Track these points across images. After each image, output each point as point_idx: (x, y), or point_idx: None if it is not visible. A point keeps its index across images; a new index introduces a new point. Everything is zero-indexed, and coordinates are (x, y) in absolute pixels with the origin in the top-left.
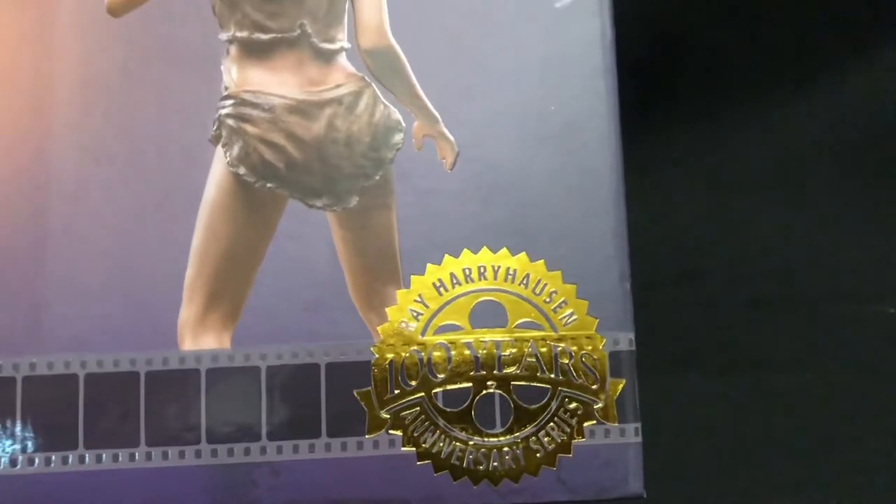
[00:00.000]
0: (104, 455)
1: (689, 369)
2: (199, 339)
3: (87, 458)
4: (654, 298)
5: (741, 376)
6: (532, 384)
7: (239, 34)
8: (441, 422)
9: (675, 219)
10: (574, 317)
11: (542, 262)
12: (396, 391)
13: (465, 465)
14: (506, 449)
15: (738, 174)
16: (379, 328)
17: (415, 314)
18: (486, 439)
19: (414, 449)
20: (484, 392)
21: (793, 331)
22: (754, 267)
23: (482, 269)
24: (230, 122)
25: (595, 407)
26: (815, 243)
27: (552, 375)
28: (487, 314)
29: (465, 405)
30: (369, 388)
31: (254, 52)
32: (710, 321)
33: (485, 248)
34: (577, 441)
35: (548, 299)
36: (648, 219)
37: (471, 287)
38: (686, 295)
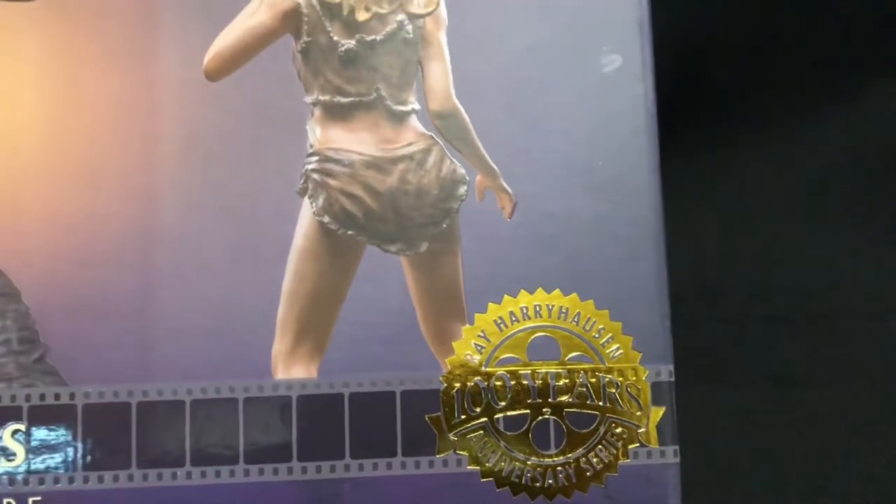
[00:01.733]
0: (208, 471)
1: (710, 383)
2: (290, 369)
3: (193, 475)
4: (676, 314)
5: (761, 390)
6: (582, 411)
7: (322, 97)
8: (502, 444)
9: (696, 237)
10: (620, 351)
11: (591, 301)
12: (462, 416)
13: (523, 482)
14: (559, 468)
15: (757, 196)
16: (447, 360)
17: (478, 348)
18: (542, 459)
19: (478, 468)
20: (540, 417)
21: (811, 346)
22: (773, 284)
23: (538, 308)
24: (315, 176)
25: (638, 431)
26: (834, 262)
27: (600, 403)
28: (543, 348)
29: (523, 429)
30: (439, 413)
31: (335, 113)
32: (730, 337)
33: (540, 289)
34: (623, 461)
35: (597, 335)
36: (670, 238)
37: (528, 324)
38: (707, 310)
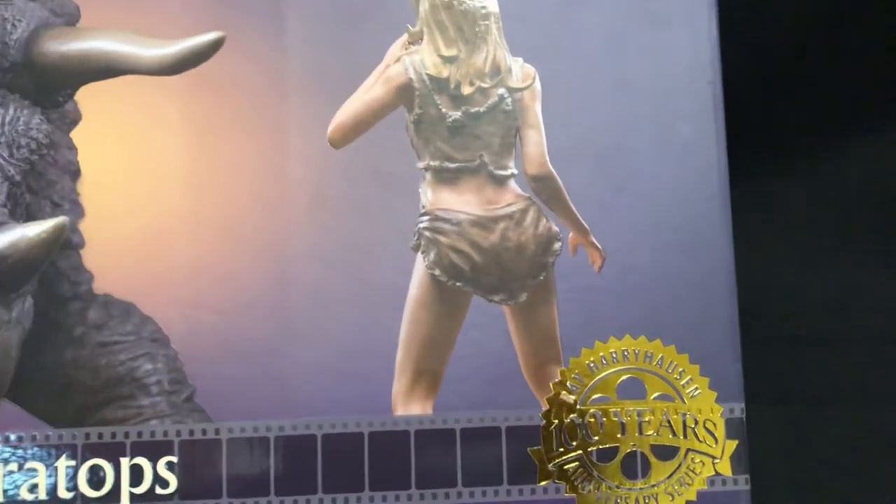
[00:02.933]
0: (338, 498)
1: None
2: (408, 406)
3: (324, 501)
4: None
5: (795, 410)
6: (666, 444)
7: (432, 163)
8: (596, 473)
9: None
10: (698, 391)
11: (672, 346)
12: (560, 449)
13: None
14: (646, 495)
15: (792, 221)
16: (546, 399)
17: (573, 388)
18: (630, 487)
19: (575, 495)
20: (629, 450)
21: (845, 368)
22: (806, 306)
23: (625, 353)
24: (427, 233)
25: (714, 462)
26: (865, 285)
27: (681, 437)
28: (630, 388)
29: (614, 460)
30: (540, 446)
31: (444, 177)
32: (764, 358)
33: (627, 336)
34: (701, 489)
35: (677, 376)
36: None
37: (617, 366)
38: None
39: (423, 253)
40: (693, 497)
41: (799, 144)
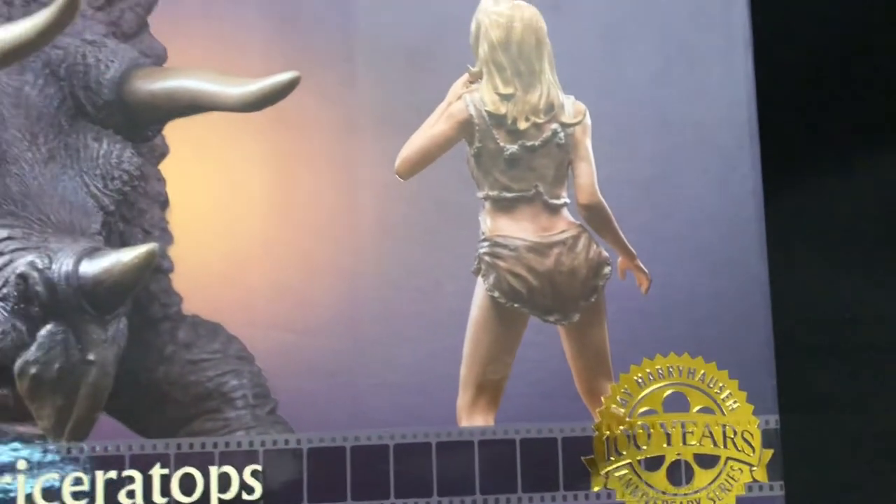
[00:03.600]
0: (408, 502)
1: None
2: (472, 418)
3: None
4: None
5: (828, 418)
6: (707, 454)
7: (491, 193)
8: (643, 480)
9: None
10: (737, 404)
11: (713, 363)
12: (611, 458)
13: None
14: (689, 500)
15: (826, 233)
16: (598, 411)
17: (623, 402)
18: (676, 493)
19: (625, 500)
20: (673, 459)
21: (878, 376)
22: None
23: (670, 369)
24: (487, 258)
25: (752, 470)
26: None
27: (722, 447)
28: (675, 402)
29: (660, 468)
30: (592, 455)
31: (502, 206)
32: (799, 367)
33: (672, 353)
34: (739, 494)
35: (718, 391)
36: None
37: (662, 382)
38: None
39: (483, 277)
40: (733, 502)
41: (831, 158)
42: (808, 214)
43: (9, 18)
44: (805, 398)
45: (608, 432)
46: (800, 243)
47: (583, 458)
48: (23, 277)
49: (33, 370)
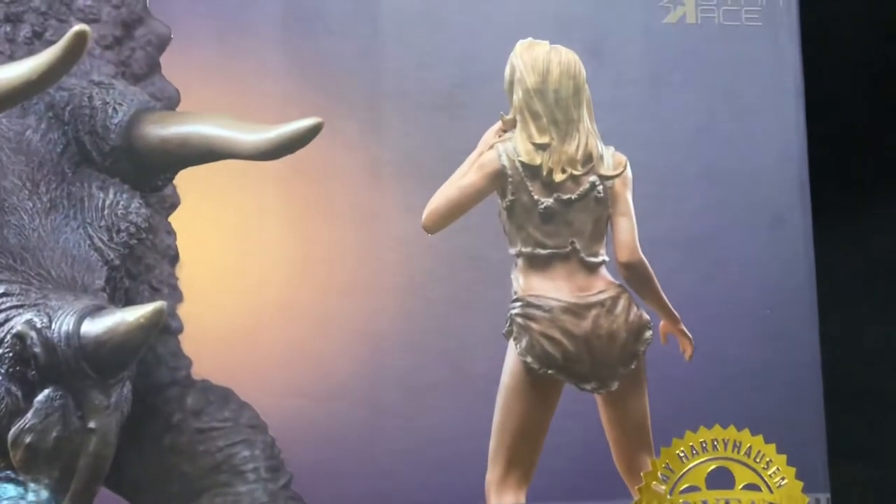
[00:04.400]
0: None
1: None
2: (501, 495)
3: None
4: None
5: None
6: None
7: (524, 249)
8: None
9: None
10: (785, 481)
11: (760, 436)
12: None
13: None
14: None
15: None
16: (637, 488)
17: (664, 477)
18: None
19: None
20: None
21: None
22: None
23: (714, 442)
24: (519, 320)
25: None
26: None
27: None
28: (719, 478)
29: None
30: None
31: (536, 263)
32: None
33: (716, 426)
34: None
35: (765, 466)
36: None
37: (706, 456)
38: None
39: (515, 340)
40: None
41: (888, 215)
42: (865, 275)
43: (11, 57)
44: (859, 475)
45: None
46: (854, 307)
47: None
48: (19, 337)
49: (28, 439)
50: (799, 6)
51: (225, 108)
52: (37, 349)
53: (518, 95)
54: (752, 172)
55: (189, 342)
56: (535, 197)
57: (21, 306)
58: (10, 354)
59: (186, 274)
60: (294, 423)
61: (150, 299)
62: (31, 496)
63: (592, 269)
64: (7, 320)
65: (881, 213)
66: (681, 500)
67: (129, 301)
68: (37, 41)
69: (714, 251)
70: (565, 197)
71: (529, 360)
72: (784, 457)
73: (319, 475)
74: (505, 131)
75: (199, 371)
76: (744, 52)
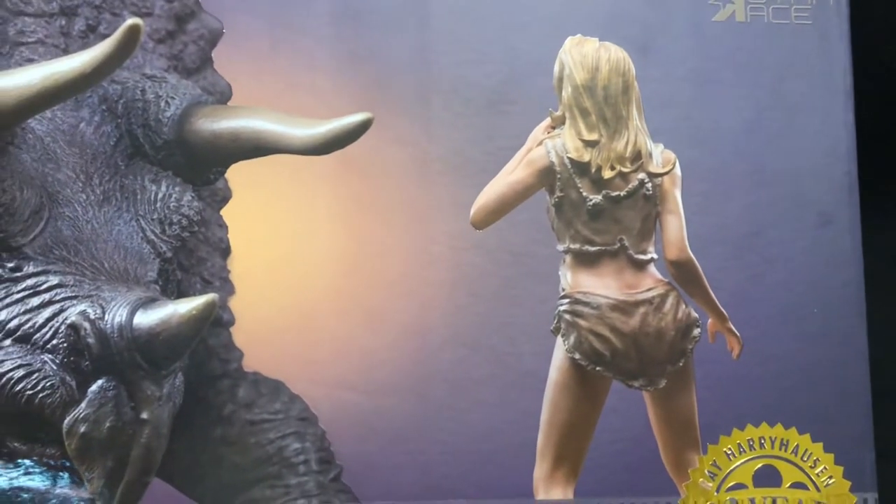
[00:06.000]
0: None
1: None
2: (550, 491)
3: None
4: None
5: None
6: None
7: (572, 246)
8: None
9: None
10: (832, 479)
11: (807, 435)
12: None
13: None
14: None
15: None
16: (684, 485)
17: (711, 475)
18: None
19: None
20: None
21: None
22: None
23: (762, 440)
24: (567, 316)
25: None
26: None
27: None
28: (766, 476)
29: None
30: None
31: (584, 260)
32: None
33: (764, 424)
34: None
35: (812, 465)
36: None
37: (753, 454)
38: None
39: (562, 336)
40: None
41: None
42: None
43: (65, 50)
44: None
45: None
46: None
47: None
48: (73, 328)
49: (83, 428)
50: (849, 4)
51: (276, 102)
52: (90, 340)
53: (567, 92)
54: (800, 170)
55: (240, 334)
56: (584, 194)
57: (75, 297)
58: (65, 345)
59: (238, 267)
60: (344, 417)
61: (203, 292)
62: (57, 489)
63: (641, 266)
64: (61, 311)
65: None
66: (727, 498)
67: (181, 293)
68: (91, 35)
69: (762, 249)
70: (614, 194)
71: (577, 356)
72: (832, 455)
73: (368, 468)
74: (553, 128)
75: (250, 363)
76: (793, 50)
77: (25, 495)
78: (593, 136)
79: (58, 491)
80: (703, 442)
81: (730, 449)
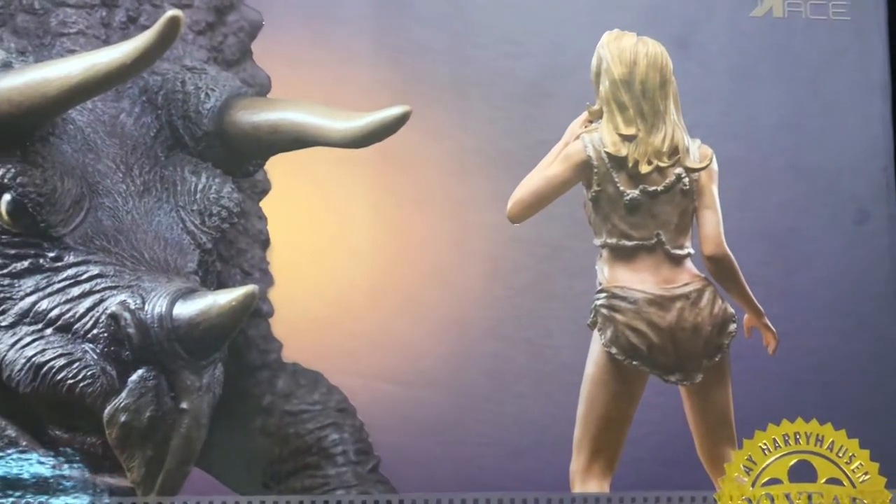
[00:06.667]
0: None
1: None
2: (586, 484)
3: None
4: None
5: None
6: None
7: (609, 241)
8: None
9: None
10: (868, 475)
11: (843, 431)
12: None
13: None
14: None
15: None
16: (720, 480)
17: (746, 470)
18: None
19: None
20: None
21: None
22: None
23: (798, 436)
24: (604, 311)
25: None
26: None
27: None
28: (801, 471)
29: None
30: None
31: (621, 255)
32: None
33: (799, 419)
34: None
35: (847, 461)
36: None
37: (788, 449)
38: None
39: (599, 330)
40: None
41: None
42: None
43: (106, 41)
44: None
45: (731, 503)
46: None
47: None
48: (114, 318)
49: (123, 418)
50: (887, 1)
51: (314, 95)
52: (130, 330)
53: (605, 86)
54: (837, 167)
55: (280, 325)
56: (621, 188)
57: (115, 287)
58: (105, 335)
59: (277, 258)
60: (382, 408)
61: (242, 283)
62: (98, 478)
63: (678, 261)
64: (101, 301)
65: None
66: (763, 493)
67: (221, 284)
68: (131, 26)
69: (799, 245)
70: (651, 189)
71: (614, 350)
72: (867, 451)
73: (407, 460)
74: (591, 122)
75: (289, 354)
76: (830, 46)
77: (67, 483)
78: (631, 131)
79: (99, 480)
80: (739, 437)
81: (765, 444)
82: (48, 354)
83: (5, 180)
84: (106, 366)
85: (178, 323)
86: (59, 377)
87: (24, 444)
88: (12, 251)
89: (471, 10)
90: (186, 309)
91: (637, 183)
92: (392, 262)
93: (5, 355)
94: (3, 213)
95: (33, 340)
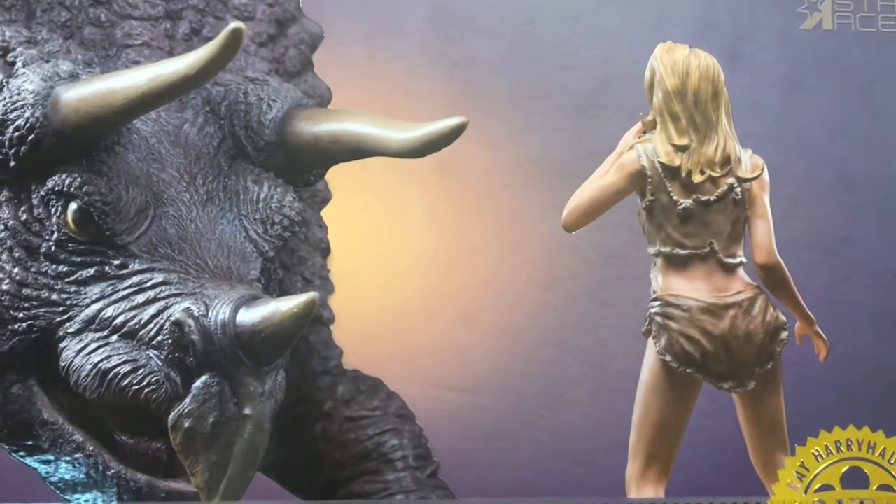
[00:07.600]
0: None
1: None
2: (641, 489)
3: None
4: None
5: None
6: None
7: (663, 249)
8: None
9: None
10: None
11: (895, 438)
12: None
13: None
14: None
15: None
16: (773, 486)
17: (799, 476)
18: None
19: None
20: None
21: None
22: None
23: (850, 442)
24: (658, 319)
25: None
26: None
27: None
28: (853, 478)
29: None
30: None
31: (674, 263)
32: None
33: (851, 426)
34: None
35: None
36: None
37: (841, 456)
38: None
39: (654, 338)
40: None
41: None
42: None
43: (170, 53)
44: None
45: None
46: None
47: None
48: (178, 325)
49: (187, 423)
50: None
51: (374, 106)
52: (194, 337)
53: (658, 97)
54: (886, 176)
55: (340, 332)
56: (675, 197)
57: (179, 295)
58: (169, 341)
59: (337, 266)
60: (439, 414)
61: (303, 290)
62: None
63: (730, 269)
64: (166, 308)
65: None
66: (815, 499)
67: (283, 292)
68: (195, 38)
69: (849, 254)
70: (704, 198)
71: (668, 358)
72: None
73: (463, 465)
74: (644, 132)
75: (349, 360)
76: (879, 57)
77: (133, 487)
78: (684, 141)
79: (163, 485)
80: (792, 443)
81: (817, 451)
82: (114, 361)
83: (72, 189)
84: (170, 372)
85: (241, 330)
86: (124, 383)
87: (91, 448)
88: (78, 259)
89: (526, 24)
90: (249, 316)
91: (690, 192)
92: (448, 271)
93: (72, 361)
94: (70, 221)
95: (99, 347)
